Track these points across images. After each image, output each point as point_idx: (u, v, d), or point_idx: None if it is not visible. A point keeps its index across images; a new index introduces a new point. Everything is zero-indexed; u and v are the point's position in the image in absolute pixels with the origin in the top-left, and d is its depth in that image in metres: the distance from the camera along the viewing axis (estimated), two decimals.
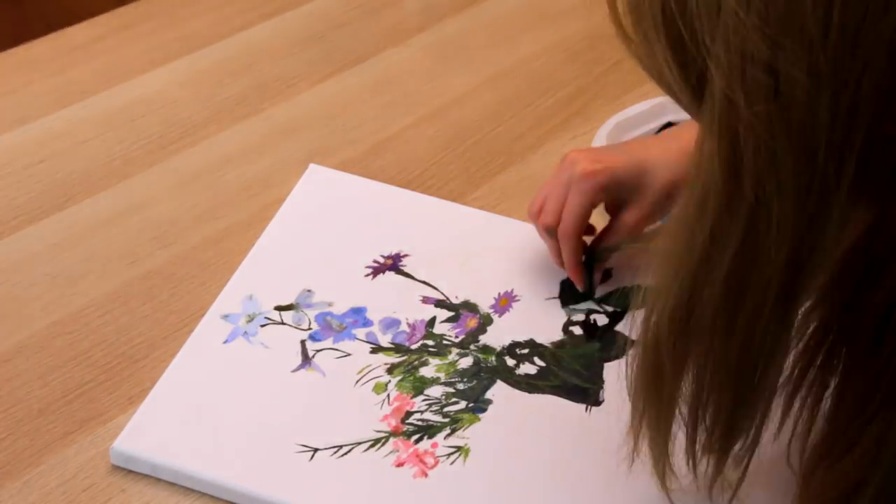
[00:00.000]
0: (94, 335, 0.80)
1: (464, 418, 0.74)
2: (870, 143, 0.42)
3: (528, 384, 0.76)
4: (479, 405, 0.74)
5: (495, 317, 0.81)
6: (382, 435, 0.72)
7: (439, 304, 0.81)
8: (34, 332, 0.80)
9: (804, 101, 0.41)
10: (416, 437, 0.72)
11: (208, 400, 0.74)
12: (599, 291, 0.83)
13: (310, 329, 0.79)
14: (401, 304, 0.81)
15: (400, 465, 0.71)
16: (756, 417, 0.54)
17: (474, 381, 0.76)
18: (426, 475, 0.70)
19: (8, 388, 0.76)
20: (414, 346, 0.78)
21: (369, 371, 0.76)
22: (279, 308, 0.80)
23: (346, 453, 0.71)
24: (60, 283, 0.84)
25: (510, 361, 0.77)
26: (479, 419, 0.74)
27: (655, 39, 0.47)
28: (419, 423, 0.73)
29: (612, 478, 0.71)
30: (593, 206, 0.79)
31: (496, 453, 0.72)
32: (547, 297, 0.82)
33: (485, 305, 0.81)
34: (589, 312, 0.81)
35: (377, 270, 0.84)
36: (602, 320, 0.81)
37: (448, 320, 0.80)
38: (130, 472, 0.71)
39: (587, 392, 0.76)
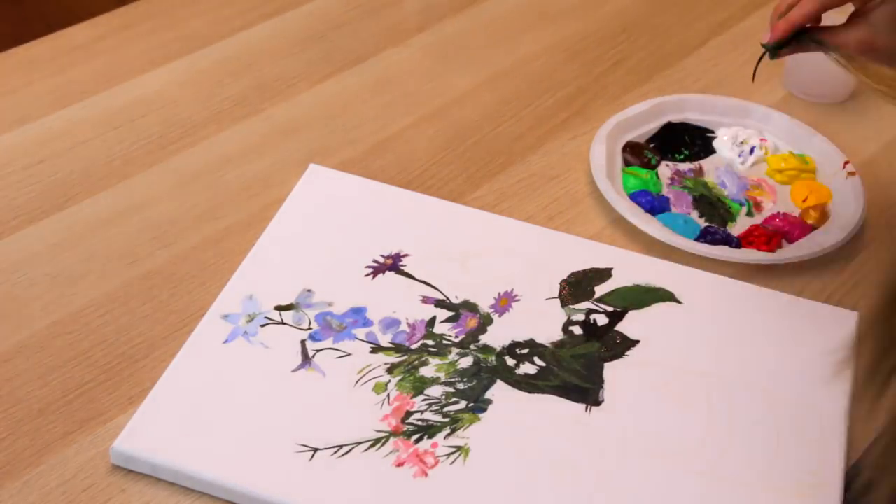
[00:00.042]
0: (94, 335, 0.80)
1: (464, 418, 0.74)
2: None
3: (528, 384, 0.76)
4: (479, 405, 0.75)
5: (495, 317, 0.81)
6: (382, 435, 0.72)
7: (439, 304, 0.81)
8: (34, 332, 0.80)
9: None
10: (416, 436, 0.72)
11: (208, 400, 0.74)
12: (599, 291, 0.83)
13: (310, 329, 0.79)
14: (401, 304, 0.81)
15: (400, 465, 0.71)
16: None
17: (474, 381, 0.76)
18: (426, 475, 0.70)
19: (8, 388, 0.76)
20: (414, 346, 0.78)
21: (369, 371, 0.76)
22: (279, 308, 0.80)
23: (346, 453, 0.71)
24: (60, 283, 0.84)
25: (510, 361, 0.77)
26: (479, 419, 0.74)
27: None
28: (419, 422, 0.73)
29: (612, 478, 0.71)
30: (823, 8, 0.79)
31: (496, 453, 0.72)
32: (547, 297, 0.82)
33: (485, 305, 0.81)
34: (589, 312, 0.81)
35: (377, 270, 0.84)
36: (602, 320, 0.81)
37: (448, 320, 0.80)
38: (130, 472, 0.71)
39: (587, 392, 0.76)
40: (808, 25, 0.81)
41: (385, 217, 0.89)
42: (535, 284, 0.83)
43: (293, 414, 0.73)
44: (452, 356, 0.78)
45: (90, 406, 0.75)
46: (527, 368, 0.77)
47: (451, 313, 0.81)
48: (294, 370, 0.76)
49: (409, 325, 0.80)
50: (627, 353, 0.79)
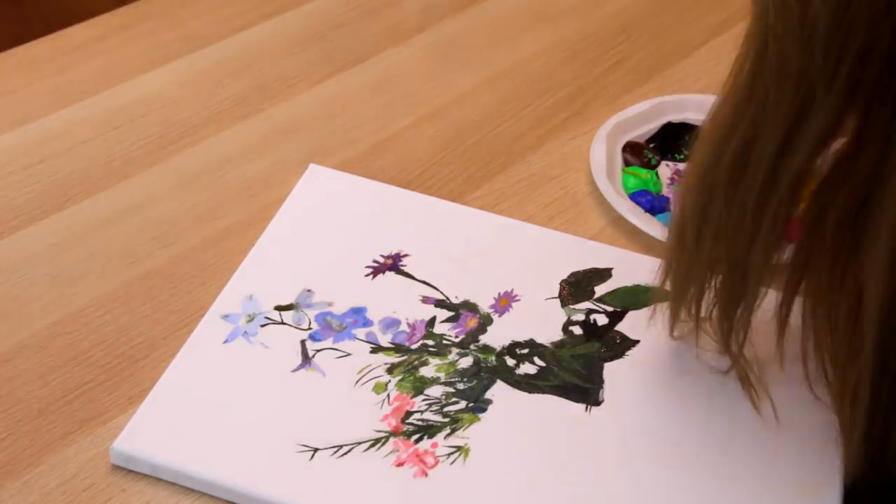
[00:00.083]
0: (94, 335, 0.80)
1: (464, 418, 0.74)
2: (866, 51, 0.47)
3: (528, 384, 0.76)
4: (479, 405, 0.75)
5: (495, 317, 0.81)
6: (382, 435, 0.72)
7: (439, 304, 0.81)
8: (34, 332, 0.80)
9: None
10: (416, 436, 0.72)
11: (208, 400, 0.74)
12: (599, 291, 0.83)
13: (310, 329, 0.79)
14: (401, 304, 0.81)
15: (400, 464, 0.71)
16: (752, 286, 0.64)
17: (474, 381, 0.76)
18: (426, 475, 0.70)
19: (8, 388, 0.76)
20: (414, 346, 0.78)
21: (369, 371, 0.76)
22: (279, 308, 0.80)
23: (346, 453, 0.71)
24: (60, 283, 0.84)
25: (510, 361, 0.77)
26: (479, 419, 0.74)
27: None
28: (419, 422, 0.73)
29: (611, 478, 0.71)
30: None
31: (496, 453, 0.72)
32: (547, 297, 0.82)
33: (485, 305, 0.81)
34: (589, 312, 0.81)
35: (377, 270, 0.84)
36: (602, 320, 0.81)
37: (448, 320, 0.80)
38: (130, 472, 0.71)
39: (587, 392, 0.76)
40: None
41: (385, 217, 0.89)
42: (535, 284, 0.83)
43: (293, 414, 0.73)
44: (452, 356, 0.78)
45: (90, 406, 0.75)
46: (527, 368, 0.77)
47: (451, 313, 0.81)
48: (294, 370, 0.76)
49: (409, 325, 0.80)
50: (627, 353, 0.79)
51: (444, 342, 0.79)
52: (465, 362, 0.77)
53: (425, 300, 0.82)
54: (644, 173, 0.95)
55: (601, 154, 0.94)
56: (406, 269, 0.84)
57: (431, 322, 0.80)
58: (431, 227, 0.88)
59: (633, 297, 0.82)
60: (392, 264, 0.84)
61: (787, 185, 0.58)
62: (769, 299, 0.66)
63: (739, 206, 0.59)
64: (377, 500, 0.69)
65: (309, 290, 0.82)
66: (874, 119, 0.54)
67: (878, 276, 0.56)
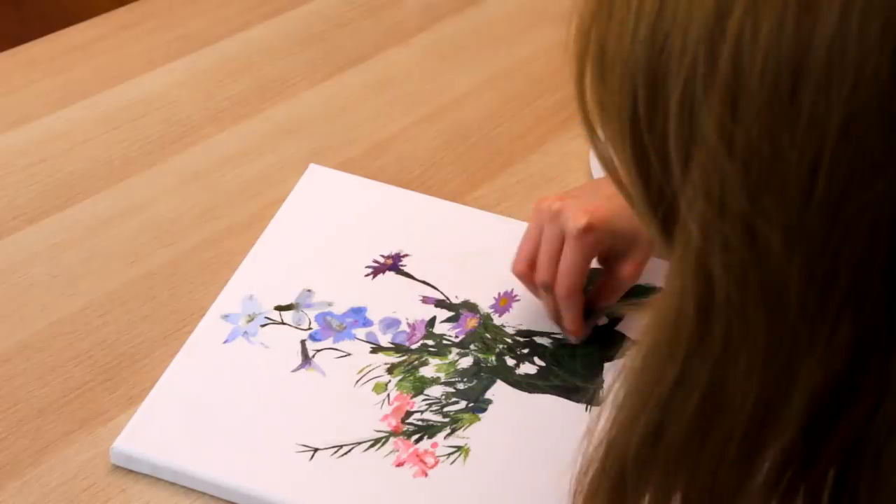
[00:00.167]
0: (94, 335, 0.80)
1: (464, 418, 0.74)
2: (844, 312, 0.39)
3: (528, 384, 0.76)
4: (479, 405, 0.75)
5: (495, 317, 0.81)
6: (382, 435, 0.72)
7: (439, 304, 0.81)
8: (34, 332, 0.80)
9: (779, 262, 0.38)
10: (416, 436, 0.72)
11: (208, 400, 0.74)
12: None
13: (310, 329, 0.79)
14: (401, 304, 0.81)
15: (400, 464, 0.71)
16: None
17: (474, 381, 0.76)
18: (426, 475, 0.70)
19: (8, 388, 0.76)
20: (414, 346, 0.78)
21: (369, 371, 0.76)
22: (279, 308, 0.80)
23: (346, 453, 0.71)
24: (60, 283, 0.84)
25: (510, 361, 0.77)
26: (479, 419, 0.74)
27: (620, 150, 0.42)
28: (419, 422, 0.73)
29: None
30: (590, 261, 0.75)
31: (496, 453, 0.72)
32: None
33: (485, 305, 0.81)
34: (589, 312, 0.81)
35: (377, 270, 0.84)
36: (602, 320, 0.81)
37: (448, 320, 0.80)
38: (130, 472, 0.71)
39: (587, 392, 0.76)
40: (587, 306, 0.78)
41: (385, 217, 0.89)
42: None
43: (293, 414, 0.73)
44: (452, 356, 0.78)
45: (90, 406, 0.75)
46: (527, 368, 0.77)
47: (451, 313, 0.81)
48: (294, 370, 0.76)
49: (409, 325, 0.80)
50: (627, 352, 0.78)
51: (445, 342, 0.79)
52: (465, 362, 0.77)
53: (425, 300, 0.82)
54: None
55: None
56: (406, 269, 0.84)
57: (431, 322, 0.80)
58: (431, 227, 0.88)
59: (633, 297, 0.82)
60: (392, 264, 0.84)
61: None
62: None
63: (705, 479, 0.46)
64: (377, 500, 0.69)
65: (309, 290, 0.82)
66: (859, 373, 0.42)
67: None
